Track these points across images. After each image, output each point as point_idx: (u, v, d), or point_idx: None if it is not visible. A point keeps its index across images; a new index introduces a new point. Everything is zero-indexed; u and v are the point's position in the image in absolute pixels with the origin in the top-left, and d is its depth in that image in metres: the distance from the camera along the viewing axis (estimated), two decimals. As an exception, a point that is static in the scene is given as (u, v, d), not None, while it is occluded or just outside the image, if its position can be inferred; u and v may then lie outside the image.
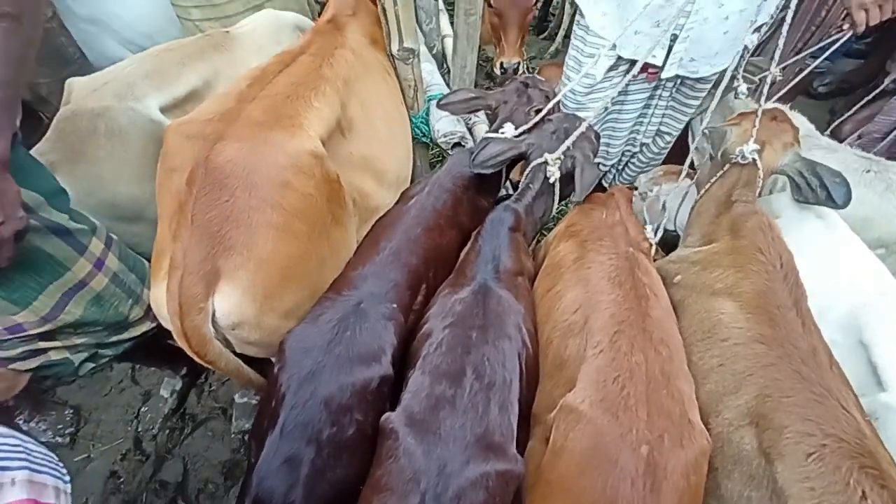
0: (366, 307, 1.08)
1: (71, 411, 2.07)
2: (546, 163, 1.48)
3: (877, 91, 2.14)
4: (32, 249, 0.99)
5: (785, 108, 1.64)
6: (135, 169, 1.32)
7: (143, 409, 2.11)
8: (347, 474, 0.97)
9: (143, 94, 1.33)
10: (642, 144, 2.02)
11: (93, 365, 1.28)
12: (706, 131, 1.44)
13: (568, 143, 1.47)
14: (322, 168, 1.12)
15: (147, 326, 1.35)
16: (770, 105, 1.54)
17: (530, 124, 1.57)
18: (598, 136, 1.68)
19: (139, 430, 2.05)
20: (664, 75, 1.62)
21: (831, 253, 1.29)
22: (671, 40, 1.51)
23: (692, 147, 1.64)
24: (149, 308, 1.30)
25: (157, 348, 1.54)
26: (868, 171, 1.58)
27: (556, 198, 1.58)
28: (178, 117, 1.30)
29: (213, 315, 1.03)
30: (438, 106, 1.70)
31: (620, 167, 2.19)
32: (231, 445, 2.00)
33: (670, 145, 2.01)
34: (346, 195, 1.29)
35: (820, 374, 0.95)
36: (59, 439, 2.01)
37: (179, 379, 2.09)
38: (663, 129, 1.93)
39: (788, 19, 1.21)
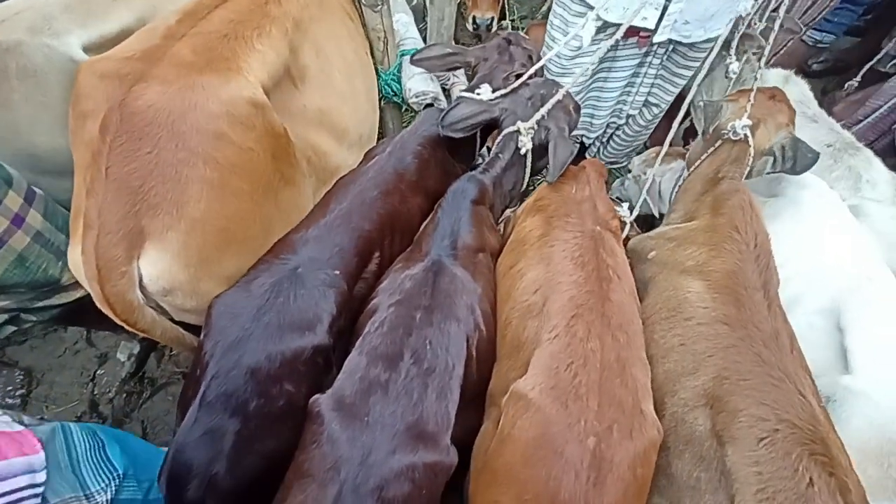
0: (303, 272, 0.99)
1: (21, 373, 1.98)
2: (518, 132, 1.36)
3: (866, 67, 2.06)
4: None
5: (788, 72, 1.59)
6: (55, 116, 1.15)
7: (99, 372, 2.03)
8: (280, 446, 0.91)
9: (64, 29, 1.14)
10: (629, 116, 1.90)
11: (14, 328, 1.17)
12: (701, 105, 1.36)
13: (542, 111, 1.35)
14: (264, 119, 1.00)
15: (82, 292, 1.23)
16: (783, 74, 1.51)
17: (508, 89, 1.43)
18: (577, 107, 1.55)
19: (95, 392, 1.98)
20: (657, 39, 1.49)
21: (825, 235, 1.27)
22: (667, 0, 1.37)
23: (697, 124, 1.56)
24: None
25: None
26: (830, 145, 1.57)
27: (528, 170, 1.47)
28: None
29: (141, 280, 0.93)
30: (412, 62, 1.54)
31: (605, 140, 2.07)
32: (191, 410, 1.94)
33: (658, 118, 1.89)
34: (299, 152, 1.16)
35: (780, 357, 0.93)
36: (10, 401, 1.93)
37: (137, 342, 2.00)
38: (651, 99, 1.81)
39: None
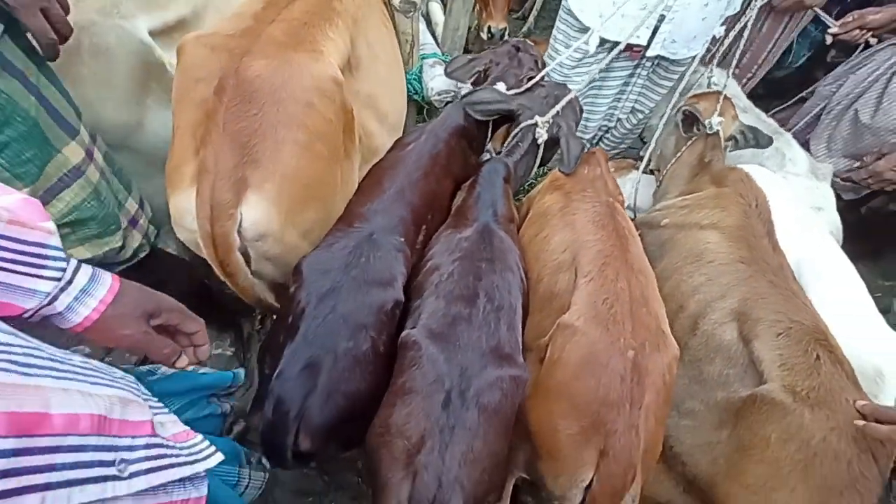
0: (378, 238, 1.21)
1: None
2: (536, 124, 1.66)
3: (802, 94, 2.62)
4: (30, 119, 0.99)
5: (722, 70, 2.04)
6: (121, 92, 1.29)
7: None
8: (359, 389, 1.09)
9: (130, 13, 1.27)
10: (618, 120, 2.30)
11: None
12: (687, 109, 1.76)
13: (558, 107, 1.67)
14: (341, 96, 1.21)
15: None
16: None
17: (525, 87, 1.74)
18: (581, 109, 1.89)
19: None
20: (649, 53, 1.90)
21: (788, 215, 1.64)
22: (658, 21, 1.76)
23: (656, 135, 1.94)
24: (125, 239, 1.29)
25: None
26: None
27: (538, 160, 1.77)
28: (165, 45, 1.31)
29: (240, 225, 1.09)
30: (447, 75, 1.82)
31: (595, 142, 2.45)
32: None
33: (643, 123, 2.31)
34: (356, 130, 1.37)
35: (787, 283, 1.32)
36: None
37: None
38: (637, 106, 2.23)
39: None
